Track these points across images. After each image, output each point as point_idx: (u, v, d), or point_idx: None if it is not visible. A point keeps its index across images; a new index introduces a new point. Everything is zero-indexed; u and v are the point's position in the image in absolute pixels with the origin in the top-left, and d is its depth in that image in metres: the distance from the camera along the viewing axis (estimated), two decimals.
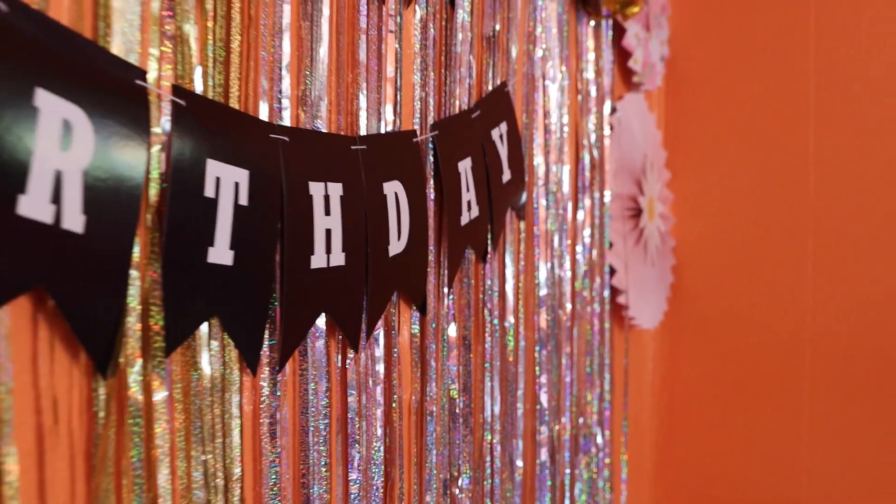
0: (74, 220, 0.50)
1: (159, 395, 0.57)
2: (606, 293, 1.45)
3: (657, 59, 1.67)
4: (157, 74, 0.58)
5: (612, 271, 1.49)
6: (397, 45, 0.86)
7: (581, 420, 1.37)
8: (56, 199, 0.49)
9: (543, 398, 1.23)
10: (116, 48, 0.55)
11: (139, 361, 0.56)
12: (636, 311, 1.56)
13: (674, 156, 1.76)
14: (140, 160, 0.55)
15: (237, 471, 0.65)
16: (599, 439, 1.43)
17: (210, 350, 0.62)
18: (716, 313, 1.73)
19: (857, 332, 1.55)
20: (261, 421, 0.69)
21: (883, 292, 1.52)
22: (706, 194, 1.74)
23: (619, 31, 1.52)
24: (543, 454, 1.24)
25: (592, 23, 1.41)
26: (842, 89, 1.58)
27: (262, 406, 0.69)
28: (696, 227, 1.75)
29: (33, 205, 0.48)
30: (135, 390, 0.56)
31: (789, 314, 1.63)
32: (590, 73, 1.40)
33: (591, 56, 1.41)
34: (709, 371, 1.73)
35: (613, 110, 1.50)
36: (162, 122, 0.58)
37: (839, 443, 1.57)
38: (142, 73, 0.56)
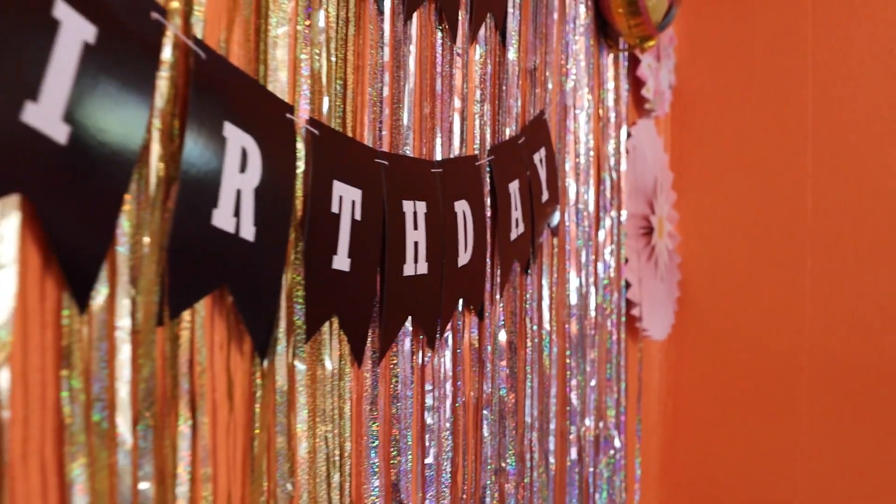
0: (248, 231, 0.61)
1: (298, 379, 0.68)
2: (623, 306, 1.57)
3: (666, 87, 1.79)
4: (296, 107, 0.69)
5: (628, 285, 1.60)
6: (463, 80, 0.98)
7: (601, 423, 1.47)
8: (237, 212, 0.60)
9: (574, 400, 1.34)
10: (272, 86, 0.66)
11: (285, 349, 0.66)
12: (648, 324, 1.67)
13: (679, 177, 1.87)
14: (291, 181, 0.66)
15: (348, 447, 0.76)
16: (617, 442, 1.54)
17: (331, 344, 0.73)
18: (718, 326, 1.84)
19: (852, 343, 1.66)
20: (363, 407, 0.80)
21: (876, 306, 1.64)
22: (710, 214, 1.86)
23: (633, 62, 1.64)
24: (573, 452, 1.35)
25: (612, 55, 1.53)
26: (837, 116, 1.70)
27: (364, 394, 0.79)
28: (700, 244, 1.87)
29: (223, 217, 0.58)
30: (281, 375, 0.66)
31: (788, 326, 1.74)
32: (609, 102, 1.52)
33: (611, 85, 1.53)
34: (712, 380, 1.84)
35: (629, 135, 1.61)
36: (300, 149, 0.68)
37: (834, 448, 1.68)
38: (290, 108, 0.67)
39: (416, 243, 0.85)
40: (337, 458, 0.74)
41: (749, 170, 1.81)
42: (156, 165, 0.54)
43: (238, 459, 0.64)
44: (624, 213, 1.57)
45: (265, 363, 0.65)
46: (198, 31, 0.58)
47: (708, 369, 1.85)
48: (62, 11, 0.47)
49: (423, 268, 0.86)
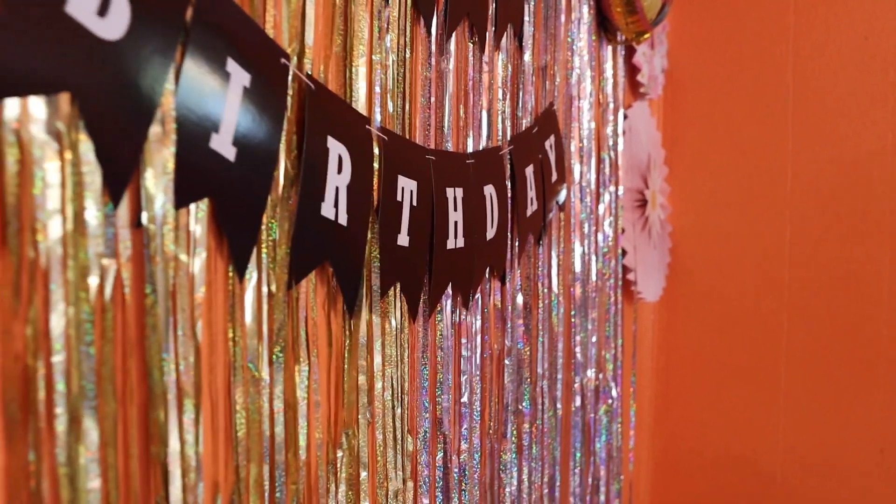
0: (343, 218, 0.80)
1: (375, 331, 0.88)
2: (620, 271, 1.76)
3: (659, 72, 1.98)
4: (372, 118, 0.88)
5: (624, 253, 1.79)
6: (490, 83, 1.16)
7: (601, 375, 1.68)
8: (336, 203, 0.79)
9: (578, 354, 1.54)
10: (355, 103, 0.85)
11: (365, 307, 0.86)
12: (642, 287, 1.87)
13: (671, 153, 2.06)
14: (371, 177, 0.85)
15: (406, 386, 0.96)
16: (614, 392, 1.75)
17: (395, 304, 0.93)
18: (706, 289, 2.04)
19: (827, 304, 1.87)
20: (416, 355, 0.99)
21: (848, 272, 1.84)
22: (698, 186, 2.05)
23: (629, 51, 1.82)
24: (577, 400, 1.55)
25: (611, 47, 1.71)
26: (815, 98, 1.89)
27: (417, 345, 0.99)
28: (689, 214, 2.06)
29: (327, 208, 0.78)
30: (363, 328, 0.86)
31: (769, 289, 1.94)
32: (608, 89, 1.70)
33: (610, 73, 1.71)
34: (699, 337, 2.04)
35: (625, 117, 1.80)
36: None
37: (811, 402, 1.89)
38: (368, 120, 0.86)
39: (455, 222, 1.04)
40: (399, 394, 0.94)
41: (735, 146, 1.99)
42: (283, 170, 0.73)
43: (333, 393, 0.84)
44: (621, 188, 1.76)
45: (352, 317, 0.84)
46: (307, 68, 0.77)
47: (696, 328, 2.05)
48: (231, 66, 0.66)
49: (461, 242, 1.05)
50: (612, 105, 1.71)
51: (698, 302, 2.04)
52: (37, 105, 0.52)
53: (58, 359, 0.53)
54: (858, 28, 1.85)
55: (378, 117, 0.89)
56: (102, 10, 0.55)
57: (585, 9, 1.55)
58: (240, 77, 0.67)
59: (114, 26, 0.56)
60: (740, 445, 1.96)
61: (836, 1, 1.87)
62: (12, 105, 0.51)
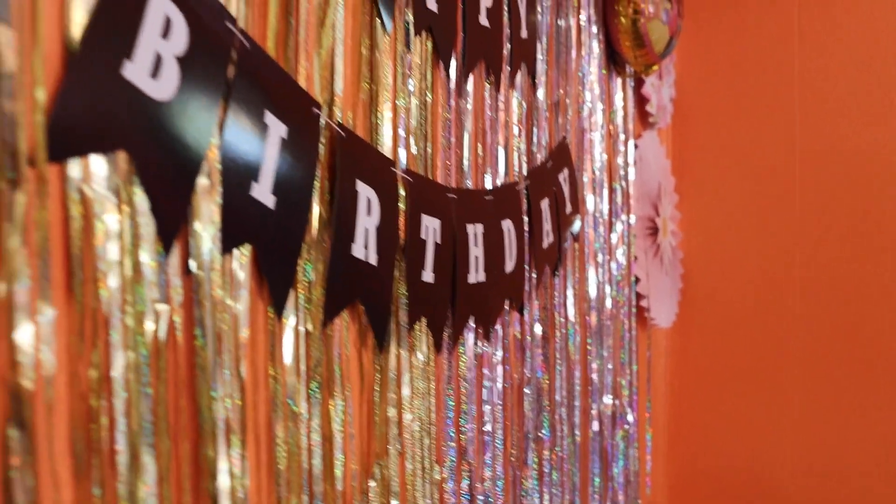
0: (373, 257, 0.84)
1: (403, 364, 0.91)
2: (633, 298, 1.80)
3: (667, 101, 2.02)
4: (397, 161, 0.92)
5: (637, 280, 1.83)
6: (506, 121, 1.21)
7: (617, 401, 1.71)
8: (366, 244, 0.83)
9: (595, 380, 1.57)
10: (381, 147, 0.89)
11: (394, 342, 0.90)
12: (656, 313, 1.91)
13: (681, 181, 2.10)
14: (397, 218, 0.89)
15: (433, 417, 0.99)
16: (630, 417, 1.77)
17: (421, 338, 0.96)
18: (717, 313, 2.07)
19: (834, 328, 1.89)
20: (442, 386, 1.03)
21: (855, 295, 1.87)
22: (708, 213, 2.08)
23: (638, 82, 1.87)
24: (595, 425, 1.58)
25: (620, 79, 1.76)
26: (821, 123, 1.93)
27: (442, 376, 1.03)
28: (700, 240, 2.09)
29: (358, 248, 0.81)
30: (392, 362, 0.89)
31: (778, 313, 1.97)
32: (618, 120, 1.75)
33: (620, 104, 1.76)
34: (712, 361, 2.07)
35: (636, 147, 1.84)
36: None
37: (823, 422, 1.91)
38: (393, 163, 0.90)
39: (476, 257, 1.08)
40: (427, 425, 0.97)
41: (743, 172, 2.03)
42: (316, 215, 0.77)
43: (365, 425, 0.87)
44: (633, 217, 1.80)
45: (381, 351, 0.88)
46: (337, 115, 0.81)
47: (708, 352, 2.08)
48: (269, 118, 0.70)
49: (481, 276, 1.09)
50: (622, 136, 1.76)
51: (710, 326, 2.07)
52: (98, 163, 0.56)
53: (118, 399, 0.57)
54: (860, 55, 1.89)
55: (403, 159, 0.93)
56: (155, 72, 0.59)
57: (595, 43, 1.60)
58: (277, 128, 0.71)
59: (165, 87, 0.60)
60: (754, 466, 1.98)
61: (838, 29, 1.92)
62: (75, 164, 0.55)
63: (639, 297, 1.84)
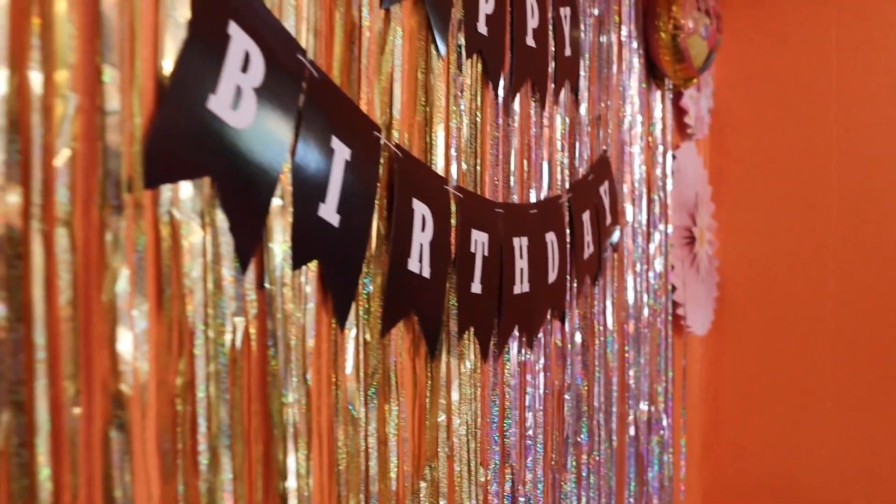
0: (427, 271, 0.89)
1: (453, 371, 0.96)
2: (670, 306, 1.83)
3: (705, 112, 2.05)
4: (449, 179, 0.97)
5: (674, 288, 1.86)
6: (550, 138, 1.25)
7: (653, 407, 1.74)
8: (420, 258, 0.88)
9: (632, 387, 1.61)
10: (434, 166, 0.94)
11: (444, 351, 0.95)
12: (692, 321, 1.94)
13: (717, 190, 2.13)
14: (448, 233, 0.94)
15: (479, 422, 1.04)
16: (665, 423, 1.81)
17: (469, 347, 1.01)
18: (752, 321, 2.09)
19: (872, 335, 1.91)
20: (487, 392, 1.08)
21: (891, 302, 1.89)
22: (744, 222, 2.11)
23: (677, 94, 1.90)
24: (631, 430, 1.62)
25: (660, 92, 1.79)
26: (859, 135, 1.95)
27: (488, 383, 1.08)
28: (736, 249, 2.12)
29: (414, 262, 0.86)
30: (443, 369, 0.94)
31: (813, 320, 1.99)
32: (657, 132, 1.78)
33: (659, 116, 1.79)
34: (747, 368, 2.10)
35: (674, 158, 1.87)
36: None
37: (858, 430, 1.93)
38: (445, 181, 0.95)
39: (521, 269, 1.12)
40: (473, 429, 1.02)
41: (780, 181, 2.05)
42: (375, 231, 0.82)
43: (417, 429, 0.92)
44: (670, 227, 1.83)
45: (433, 360, 0.93)
46: (395, 136, 0.86)
47: (743, 359, 2.10)
48: (335, 143, 0.75)
49: (526, 287, 1.14)
50: (661, 147, 1.79)
51: (745, 334, 2.10)
52: (185, 187, 0.61)
53: (201, 404, 0.62)
54: None
55: (454, 176, 0.97)
56: (235, 104, 0.64)
57: (636, 58, 1.64)
58: (342, 152, 0.76)
59: (244, 117, 0.65)
60: (787, 473, 2.01)
61: (877, 41, 1.94)
62: (165, 189, 0.60)
63: (675, 305, 1.87)
